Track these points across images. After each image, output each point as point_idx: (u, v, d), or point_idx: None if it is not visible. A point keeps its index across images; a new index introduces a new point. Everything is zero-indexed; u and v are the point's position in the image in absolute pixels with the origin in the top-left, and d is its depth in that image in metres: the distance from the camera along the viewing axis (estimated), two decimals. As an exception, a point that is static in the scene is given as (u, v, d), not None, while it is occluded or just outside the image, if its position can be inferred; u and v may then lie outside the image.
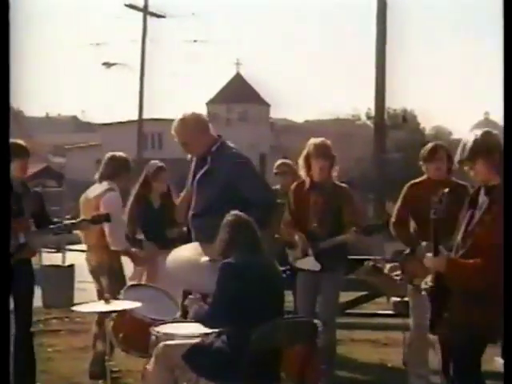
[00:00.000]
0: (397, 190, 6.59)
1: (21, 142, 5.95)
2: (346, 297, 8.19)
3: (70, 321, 9.43)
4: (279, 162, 8.26)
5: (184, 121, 5.86)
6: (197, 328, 4.78)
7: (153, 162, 7.23)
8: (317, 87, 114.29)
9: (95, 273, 6.78)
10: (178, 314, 5.24)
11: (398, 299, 7.13)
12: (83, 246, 7.05)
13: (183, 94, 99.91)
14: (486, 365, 4.33)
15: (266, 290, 4.58)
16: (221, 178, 5.66)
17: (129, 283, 6.15)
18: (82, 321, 9.04)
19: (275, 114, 55.45)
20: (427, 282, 4.13)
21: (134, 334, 5.01)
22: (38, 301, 6.62)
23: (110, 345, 5.21)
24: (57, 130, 60.90)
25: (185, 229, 6.50)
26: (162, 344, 4.70)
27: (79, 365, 7.09)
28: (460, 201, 4.35)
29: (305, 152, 6.32)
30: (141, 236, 7.05)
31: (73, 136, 54.73)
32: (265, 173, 42.94)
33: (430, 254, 4.06)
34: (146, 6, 33.70)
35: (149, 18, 33.79)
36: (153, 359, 4.71)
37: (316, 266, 6.14)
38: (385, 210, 19.98)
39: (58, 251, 14.83)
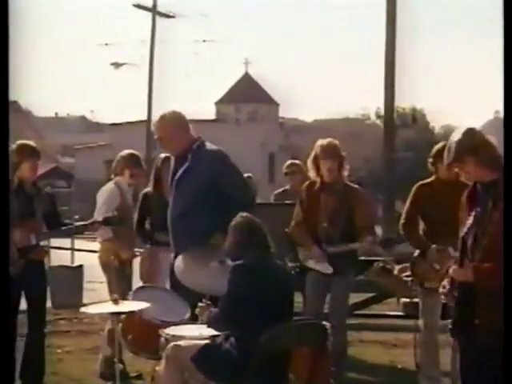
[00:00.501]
0: (406, 189, 6.57)
1: (31, 143, 5.97)
2: (355, 298, 8.16)
3: (79, 321, 9.44)
4: (288, 162, 8.25)
5: (163, 117, 5.91)
6: (206, 330, 4.77)
7: (160, 155, 7.26)
8: (326, 86, 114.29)
9: (103, 268, 6.82)
10: (188, 315, 5.22)
11: (408, 300, 7.10)
12: (92, 246, 7.05)
13: (192, 94, 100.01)
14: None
15: (275, 293, 4.58)
16: (202, 176, 5.67)
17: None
18: (91, 321, 9.04)
19: (284, 113, 55.50)
20: (445, 285, 4.06)
21: (143, 335, 5.00)
22: (46, 301, 6.61)
23: (119, 346, 5.20)
24: (66, 130, 61.05)
25: None
26: (172, 345, 4.70)
27: (88, 366, 7.09)
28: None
29: (313, 153, 6.30)
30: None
31: (82, 136, 54.85)
32: (274, 172, 43.03)
33: (455, 266, 3.98)
34: (154, 6, 33.73)
35: (158, 18, 33.82)
36: (163, 360, 4.70)
37: (328, 269, 6.12)
38: (395, 210, 19.93)
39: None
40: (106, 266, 6.63)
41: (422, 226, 6.20)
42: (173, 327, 4.93)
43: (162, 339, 4.80)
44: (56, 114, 76.33)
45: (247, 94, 50.82)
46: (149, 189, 7.02)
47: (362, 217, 6.16)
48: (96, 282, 12.26)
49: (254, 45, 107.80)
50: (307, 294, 6.32)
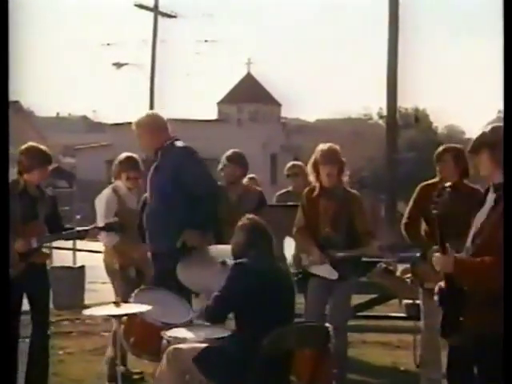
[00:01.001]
0: (409, 189, 6.57)
1: (43, 147, 5.95)
2: (357, 299, 8.15)
3: (81, 322, 9.42)
4: (290, 163, 8.20)
5: (138, 119, 6.10)
6: (208, 332, 4.76)
7: None
8: (328, 86, 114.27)
9: (107, 271, 6.81)
10: (189, 317, 5.21)
11: (410, 302, 7.09)
12: (93, 247, 7.05)
13: (194, 94, 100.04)
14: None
15: (276, 294, 4.57)
16: (166, 173, 5.81)
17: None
18: (93, 322, 9.03)
19: (286, 113, 55.49)
20: (441, 286, 4.07)
21: (145, 338, 4.99)
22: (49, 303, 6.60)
23: (121, 349, 5.19)
24: (67, 130, 61.04)
25: None
26: (172, 347, 4.69)
27: (90, 367, 7.09)
28: (472, 204, 4.30)
29: (313, 158, 6.29)
30: None
31: (83, 136, 54.83)
32: (276, 173, 42.99)
33: (438, 254, 4.01)
34: (156, 6, 33.72)
35: (159, 17, 33.82)
36: (164, 362, 4.69)
37: (333, 275, 6.09)
38: (397, 210, 19.91)
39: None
40: (110, 268, 6.62)
41: (423, 226, 6.20)
42: (175, 329, 4.92)
43: (164, 341, 4.79)
44: (57, 113, 76.35)
45: (249, 94, 50.81)
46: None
47: (362, 223, 6.15)
48: (98, 282, 12.26)
49: (256, 45, 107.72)
50: (308, 296, 6.30)
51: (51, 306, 6.44)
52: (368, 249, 6.07)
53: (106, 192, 6.73)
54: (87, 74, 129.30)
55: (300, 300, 6.16)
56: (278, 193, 8.41)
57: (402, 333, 8.04)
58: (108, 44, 38.31)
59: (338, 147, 6.32)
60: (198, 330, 4.95)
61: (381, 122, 40.45)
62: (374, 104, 46.30)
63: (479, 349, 3.91)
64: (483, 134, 4.08)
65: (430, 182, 6.29)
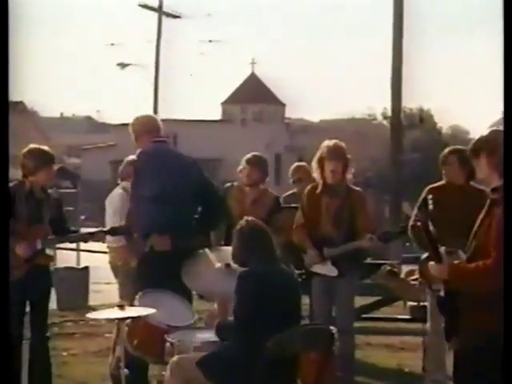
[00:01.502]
0: (413, 190, 6.54)
1: (45, 148, 5.94)
2: (362, 301, 8.12)
3: (85, 324, 9.40)
4: (295, 165, 8.02)
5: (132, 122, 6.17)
6: (212, 335, 4.74)
7: None
8: (332, 86, 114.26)
9: (114, 272, 6.80)
10: (193, 320, 5.19)
11: (415, 304, 7.06)
12: (98, 247, 7.03)
13: (198, 95, 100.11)
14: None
15: (282, 298, 4.54)
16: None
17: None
18: (97, 324, 9.01)
19: (290, 113, 55.45)
20: (439, 291, 4.07)
21: (148, 340, 4.97)
22: (52, 303, 6.62)
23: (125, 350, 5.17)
24: (71, 131, 61.10)
25: None
26: (176, 357, 4.67)
27: (94, 369, 7.08)
28: (478, 206, 4.28)
29: (318, 154, 6.27)
30: None
31: (87, 136, 54.93)
32: (280, 173, 42.94)
33: (432, 263, 4.01)
34: (160, 7, 33.72)
35: (164, 18, 33.81)
36: (168, 372, 4.67)
37: (333, 272, 6.09)
38: (401, 211, 19.88)
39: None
40: (116, 270, 6.61)
41: (431, 228, 6.17)
42: (178, 332, 4.90)
43: (168, 344, 4.78)
44: (61, 114, 76.50)
45: (253, 95, 50.80)
46: None
47: (363, 219, 6.12)
48: (102, 283, 12.27)
49: (260, 45, 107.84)
50: (313, 298, 6.28)
51: (55, 307, 6.45)
52: (361, 242, 6.01)
53: (118, 192, 6.70)
54: (91, 74, 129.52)
55: (305, 301, 6.14)
56: (285, 194, 8.38)
57: (406, 335, 8.02)
58: (112, 44, 38.41)
59: (343, 144, 6.30)
60: (201, 332, 4.94)
61: (385, 122, 40.42)
62: (378, 104, 46.16)
63: (478, 350, 3.90)
64: (481, 138, 4.06)
65: (436, 184, 6.28)
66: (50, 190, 6.08)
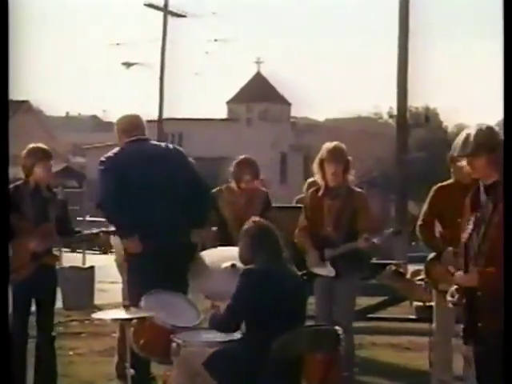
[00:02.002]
0: (419, 189, 6.53)
1: (42, 145, 5.97)
2: (368, 301, 8.12)
3: (91, 323, 9.40)
4: (310, 180, 7.87)
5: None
6: (217, 335, 4.73)
7: None
8: (338, 85, 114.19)
9: (119, 270, 6.81)
10: (199, 320, 5.19)
11: (421, 304, 7.05)
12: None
13: (204, 94, 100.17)
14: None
15: (287, 297, 4.53)
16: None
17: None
18: (103, 323, 9.01)
19: (296, 112, 55.33)
20: (453, 293, 4.02)
21: (154, 340, 4.97)
22: (58, 303, 6.61)
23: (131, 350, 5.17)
24: (77, 130, 61.17)
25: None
26: (183, 351, 4.67)
27: (100, 368, 7.07)
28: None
29: (318, 157, 6.27)
30: None
31: (93, 135, 54.90)
32: (285, 172, 42.89)
33: (460, 272, 3.95)
34: (166, 6, 33.73)
35: (169, 17, 33.82)
36: (174, 367, 4.67)
37: (331, 272, 6.09)
38: (407, 210, 19.86)
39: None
40: (122, 268, 6.61)
41: (438, 228, 6.16)
42: (184, 332, 4.90)
43: (174, 344, 4.77)
44: (67, 113, 76.56)
45: (259, 94, 50.73)
46: None
47: (364, 220, 6.10)
48: (107, 282, 12.30)
49: (266, 44, 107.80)
50: (316, 299, 6.28)
51: (61, 306, 6.46)
52: (357, 243, 6.00)
53: None
54: (97, 73, 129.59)
55: (310, 300, 6.14)
56: (298, 197, 8.37)
57: (412, 335, 8.01)
58: (118, 43, 38.40)
59: (343, 146, 6.29)
60: (207, 332, 4.93)
61: (391, 121, 40.38)
62: (384, 103, 46.16)
63: (498, 350, 3.86)
64: (481, 137, 3.97)
65: (444, 183, 6.25)
66: (55, 189, 6.09)
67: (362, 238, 5.94)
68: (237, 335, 4.69)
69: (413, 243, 18.00)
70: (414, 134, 33.62)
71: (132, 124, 6.04)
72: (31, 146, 5.95)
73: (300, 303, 4.70)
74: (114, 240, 6.53)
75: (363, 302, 6.91)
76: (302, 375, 4.48)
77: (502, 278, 3.75)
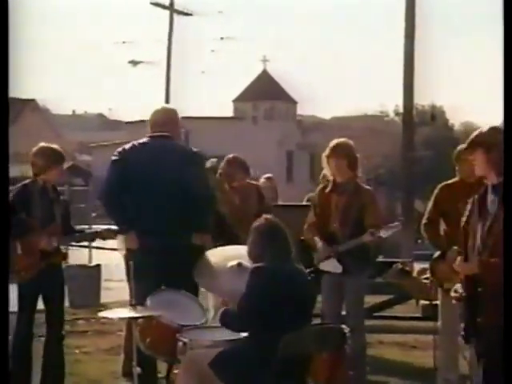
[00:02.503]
0: (425, 187, 6.53)
1: (55, 146, 5.97)
2: (374, 300, 8.10)
3: (97, 321, 9.41)
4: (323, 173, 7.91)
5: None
6: (223, 333, 4.73)
7: None
8: (344, 83, 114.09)
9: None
10: (205, 319, 5.19)
11: (427, 302, 7.03)
12: (109, 244, 7.05)
13: (210, 92, 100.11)
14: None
15: (294, 296, 4.53)
16: None
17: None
18: (109, 321, 9.02)
19: (302, 110, 55.36)
20: (457, 289, 4.03)
21: (161, 338, 4.97)
22: (64, 301, 6.61)
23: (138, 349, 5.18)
24: (83, 128, 61.25)
25: None
26: (190, 352, 4.67)
27: (106, 367, 7.08)
28: None
29: (324, 153, 6.30)
30: None
31: (99, 134, 55.00)
32: (292, 171, 42.85)
33: (459, 260, 3.98)
34: (172, 4, 33.75)
35: (175, 15, 33.84)
36: (181, 367, 4.67)
37: (337, 268, 6.08)
38: (413, 208, 19.83)
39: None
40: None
41: (443, 226, 6.16)
42: (190, 331, 4.90)
43: (180, 343, 4.77)
44: (73, 111, 76.70)
45: (265, 92, 50.72)
46: None
47: (370, 216, 6.10)
48: (113, 280, 12.30)
49: (272, 42, 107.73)
50: (323, 297, 6.27)
51: (67, 304, 6.47)
52: (362, 237, 5.99)
53: None
54: (103, 71, 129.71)
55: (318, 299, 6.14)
56: (309, 195, 8.38)
57: (419, 333, 7.99)
58: (124, 42, 38.68)
59: (349, 142, 6.30)
60: (213, 331, 4.94)
61: (397, 119, 40.32)
62: (390, 101, 46.14)
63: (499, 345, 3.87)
64: (479, 135, 4.04)
65: (449, 181, 6.25)
66: (61, 188, 6.11)
67: (368, 232, 5.94)
68: (243, 334, 4.69)
69: (418, 241, 17.97)
70: (420, 131, 33.57)
71: (156, 120, 5.95)
72: (43, 145, 5.94)
73: (308, 302, 4.69)
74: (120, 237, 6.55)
75: (369, 300, 6.89)
76: (309, 374, 4.48)
77: (502, 269, 3.77)
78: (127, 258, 5.82)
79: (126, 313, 4.82)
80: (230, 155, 7.02)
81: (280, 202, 8.11)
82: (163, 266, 5.44)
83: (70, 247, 11.63)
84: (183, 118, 6.21)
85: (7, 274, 4.05)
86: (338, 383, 4.56)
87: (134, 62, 37.33)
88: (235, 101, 53.90)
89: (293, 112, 53.14)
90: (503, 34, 3.73)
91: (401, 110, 24.27)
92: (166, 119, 5.95)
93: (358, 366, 5.87)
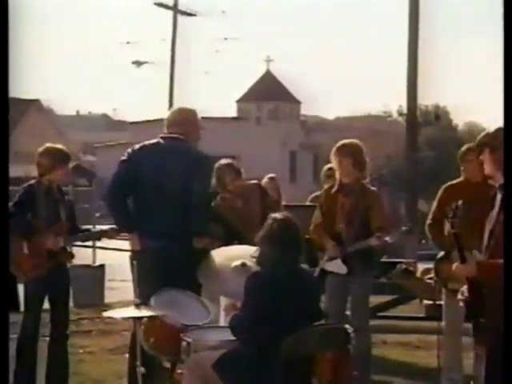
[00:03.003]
0: (429, 188, 6.53)
1: (60, 146, 5.99)
2: (378, 300, 8.11)
3: (101, 321, 9.43)
4: (326, 167, 7.88)
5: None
6: (228, 333, 4.73)
7: None
8: (348, 84, 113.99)
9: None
10: (209, 319, 5.19)
11: (431, 302, 7.04)
12: (113, 244, 7.05)
13: (213, 92, 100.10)
14: None
15: (297, 299, 4.49)
16: None
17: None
18: (113, 321, 9.03)
19: (306, 111, 55.36)
20: (463, 291, 4.03)
21: (164, 338, 4.97)
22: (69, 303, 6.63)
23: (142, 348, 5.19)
24: (87, 129, 61.31)
25: None
26: (194, 355, 4.66)
27: (110, 367, 7.09)
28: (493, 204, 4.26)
29: (331, 152, 6.33)
30: None
31: (103, 134, 55.04)
32: (295, 171, 42.80)
33: (457, 263, 3.99)
34: (175, 5, 33.77)
35: (179, 16, 33.86)
36: (186, 370, 4.67)
37: (342, 269, 6.09)
38: (417, 208, 19.83)
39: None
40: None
41: (447, 227, 6.15)
42: (194, 331, 4.90)
43: (184, 343, 4.77)
44: (78, 112, 76.79)
45: (269, 92, 50.74)
46: None
47: (376, 219, 6.10)
48: (117, 280, 12.32)
49: (275, 42, 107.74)
50: (327, 296, 6.28)
51: (71, 304, 6.48)
52: (369, 241, 5.99)
53: None
54: (107, 72, 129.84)
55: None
56: (313, 194, 8.37)
57: (423, 333, 8.00)
58: (128, 42, 38.62)
59: (356, 143, 6.30)
60: (217, 331, 4.94)
61: (400, 119, 40.26)
62: (393, 101, 46.15)
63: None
64: (486, 135, 4.07)
65: (454, 182, 6.25)
66: (65, 188, 6.13)
67: (375, 236, 5.95)
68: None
69: (423, 241, 17.97)
70: (424, 132, 33.52)
71: (171, 120, 5.92)
72: (49, 146, 5.96)
73: (311, 303, 4.67)
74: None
75: (373, 300, 6.89)
76: (312, 374, 4.48)
77: (501, 271, 3.78)
78: (132, 258, 5.83)
79: (130, 312, 4.83)
80: (220, 162, 6.99)
81: (283, 203, 8.09)
82: (167, 267, 5.44)
83: (74, 247, 11.71)
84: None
85: (7, 273, 4.06)
86: (342, 383, 4.56)
87: (138, 63, 37.34)
88: (239, 101, 53.92)
89: (296, 112, 53.14)
90: (503, 34, 3.73)
91: (404, 110, 24.29)
92: (182, 119, 5.90)
93: (363, 367, 5.88)
